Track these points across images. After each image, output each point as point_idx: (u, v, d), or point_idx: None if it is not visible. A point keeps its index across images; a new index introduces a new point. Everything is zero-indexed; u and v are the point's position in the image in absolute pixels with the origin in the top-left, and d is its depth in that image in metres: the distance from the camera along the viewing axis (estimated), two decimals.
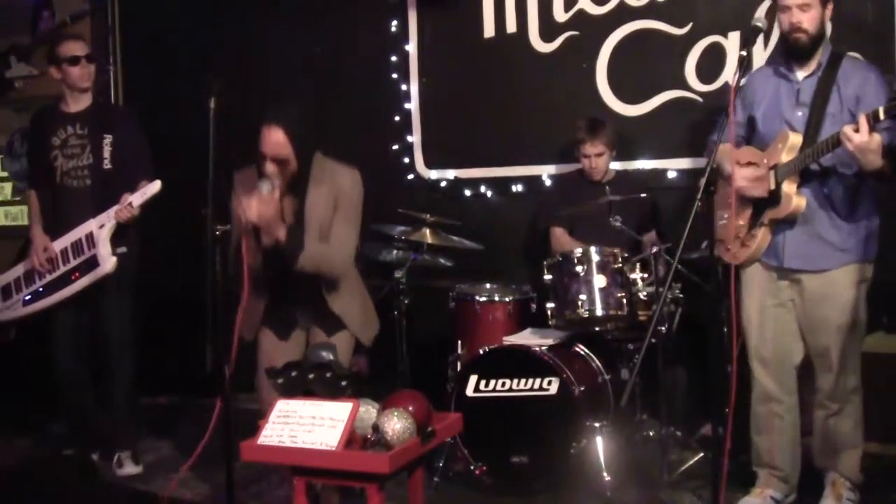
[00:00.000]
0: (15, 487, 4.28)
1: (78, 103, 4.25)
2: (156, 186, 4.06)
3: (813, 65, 3.28)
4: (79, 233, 4.15)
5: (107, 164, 4.16)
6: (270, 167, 3.21)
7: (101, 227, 4.11)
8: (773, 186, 3.28)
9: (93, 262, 4.11)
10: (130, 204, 4.07)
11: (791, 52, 3.29)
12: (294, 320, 3.45)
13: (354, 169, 3.40)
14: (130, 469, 4.28)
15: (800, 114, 3.28)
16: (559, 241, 4.36)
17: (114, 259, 4.10)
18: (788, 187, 3.24)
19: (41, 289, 4.22)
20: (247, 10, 5.38)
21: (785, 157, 3.23)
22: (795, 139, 3.23)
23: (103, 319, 4.26)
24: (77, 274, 4.14)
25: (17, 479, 4.42)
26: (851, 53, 3.42)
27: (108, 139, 4.17)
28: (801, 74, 3.31)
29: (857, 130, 2.92)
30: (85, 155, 4.18)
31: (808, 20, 3.19)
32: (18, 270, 4.33)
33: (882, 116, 2.88)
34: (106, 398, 4.36)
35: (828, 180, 3.24)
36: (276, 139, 3.18)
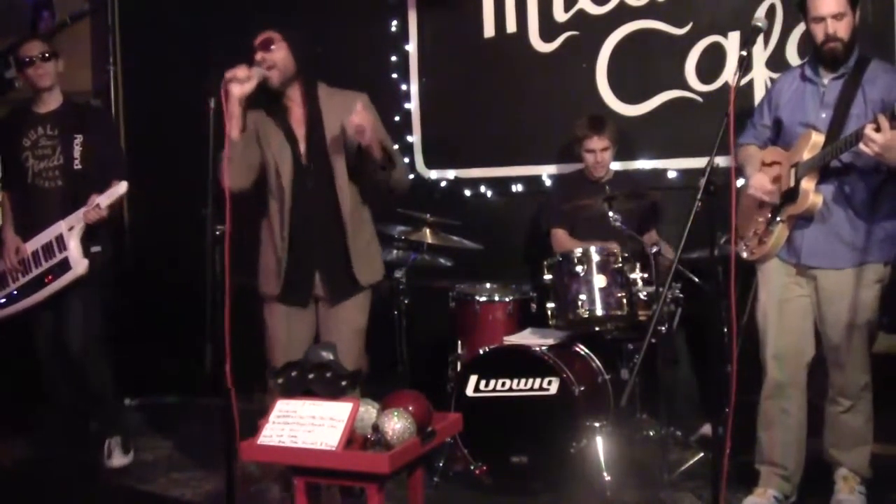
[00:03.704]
0: (15, 487, 4.29)
1: (48, 104, 4.22)
2: (122, 188, 4.01)
3: (841, 68, 3.28)
4: (49, 235, 4.10)
5: (77, 165, 4.11)
6: (258, 55, 3.27)
7: (70, 228, 4.06)
8: (792, 184, 3.30)
9: (65, 265, 4.06)
10: (98, 205, 4.02)
11: (825, 60, 3.29)
12: (312, 275, 3.40)
13: (363, 93, 3.46)
14: (119, 459, 4.25)
15: (824, 115, 3.30)
16: (560, 242, 4.36)
17: (86, 261, 4.05)
18: (807, 184, 3.26)
19: (15, 292, 4.18)
20: (247, 10, 5.38)
21: (806, 156, 3.25)
22: (818, 138, 3.25)
23: (71, 316, 4.18)
24: (50, 277, 4.09)
25: (17, 479, 4.43)
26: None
27: (78, 139, 4.12)
28: (826, 78, 3.32)
29: (877, 130, 2.91)
30: (56, 156, 4.14)
31: (842, 29, 3.20)
32: None
33: None
34: (83, 391, 4.30)
35: (848, 178, 3.25)
36: (262, 33, 3.32)
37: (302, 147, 3.38)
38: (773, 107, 3.50)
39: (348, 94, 3.44)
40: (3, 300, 4.22)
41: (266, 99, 3.33)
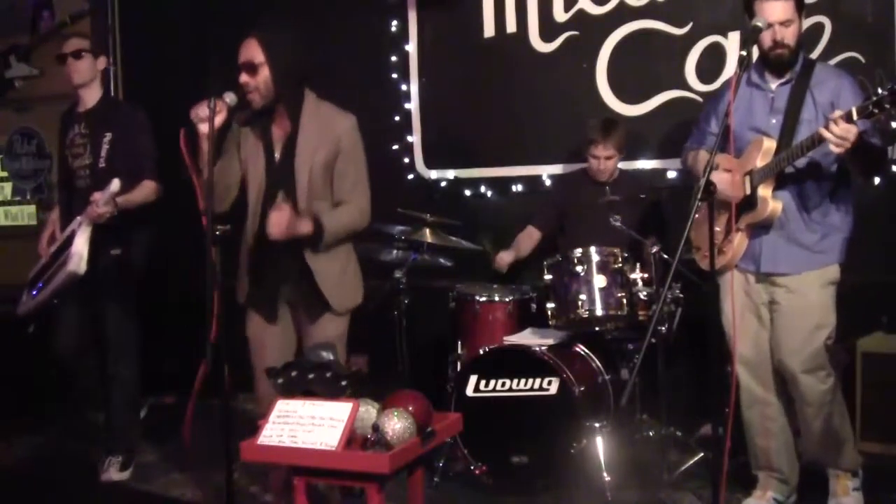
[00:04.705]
0: (15, 487, 4.30)
1: (85, 102, 4.26)
2: (115, 185, 3.95)
3: (787, 73, 3.30)
4: (66, 232, 4.13)
5: (102, 163, 4.12)
6: (242, 77, 3.16)
7: (79, 225, 4.04)
8: (748, 191, 3.28)
9: (67, 262, 4.04)
10: (96, 203, 3.97)
11: (772, 66, 3.30)
12: (276, 290, 3.34)
13: (350, 114, 3.33)
14: (114, 475, 4.20)
15: (774, 121, 3.30)
16: (524, 235, 4.40)
17: (77, 258, 3.99)
18: (764, 191, 3.25)
19: (41, 283, 4.22)
20: (247, 10, 5.38)
21: (760, 163, 3.24)
22: (770, 144, 3.25)
23: (100, 321, 4.21)
24: (57, 272, 4.10)
25: (17, 478, 4.43)
26: (829, 62, 3.43)
27: (107, 137, 4.13)
28: (774, 83, 3.32)
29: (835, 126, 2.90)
30: (86, 154, 4.17)
31: (790, 35, 3.21)
32: (38, 265, 4.30)
33: (856, 117, 2.87)
34: (105, 401, 4.31)
35: (803, 184, 3.26)
36: (247, 46, 3.18)
37: (277, 164, 3.29)
38: (720, 114, 3.46)
39: (334, 115, 3.30)
40: (35, 292, 4.25)
41: (253, 111, 3.24)
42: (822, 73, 3.28)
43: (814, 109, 3.22)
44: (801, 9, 3.23)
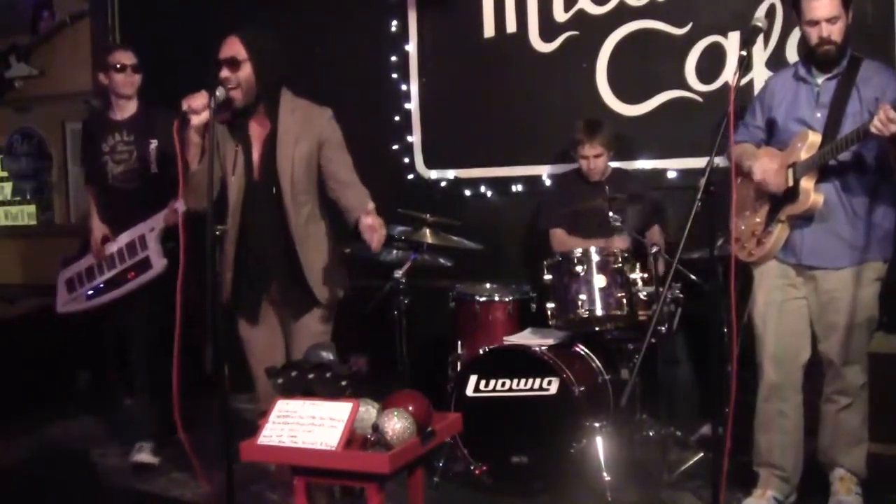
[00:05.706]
0: (15, 487, 4.30)
1: (123, 111, 4.45)
2: None
3: (834, 68, 3.31)
4: (132, 234, 4.33)
5: (154, 169, 4.34)
6: (224, 72, 3.19)
7: (151, 230, 4.28)
8: (790, 183, 3.30)
9: (146, 263, 4.28)
10: (176, 210, 4.14)
11: (818, 62, 3.33)
12: (263, 286, 3.37)
13: (326, 108, 3.39)
14: (144, 457, 4.35)
15: (819, 115, 3.32)
16: (559, 241, 4.35)
17: (165, 261, 4.25)
18: (806, 183, 3.27)
19: (101, 285, 4.41)
20: (247, 10, 5.38)
21: (804, 155, 3.27)
22: (815, 138, 3.27)
23: (139, 308, 4.38)
24: (133, 274, 4.32)
25: (17, 479, 4.43)
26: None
27: (153, 144, 4.35)
28: (820, 78, 3.34)
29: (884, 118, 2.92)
30: (132, 160, 4.38)
31: (836, 32, 3.23)
32: (82, 265, 4.49)
33: None
34: (138, 388, 4.48)
35: (846, 178, 3.28)
36: (229, 43, 3.22)
37: (256, 162, 3.32)
38: (765, 108, 3.51)
39: (311, 109, 3.35)
40: (91, 292, 4.44)
41: (234, 110, 3.27)
42: (868, 68, 3.29)
43: (859, 104, 3.24)
44: (849, 5, 3.24)
